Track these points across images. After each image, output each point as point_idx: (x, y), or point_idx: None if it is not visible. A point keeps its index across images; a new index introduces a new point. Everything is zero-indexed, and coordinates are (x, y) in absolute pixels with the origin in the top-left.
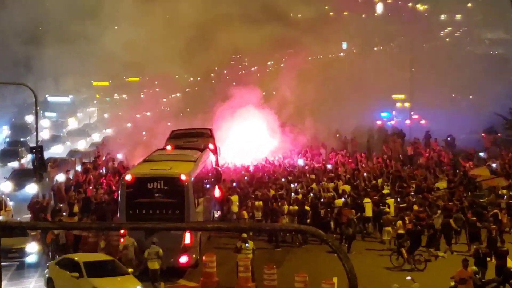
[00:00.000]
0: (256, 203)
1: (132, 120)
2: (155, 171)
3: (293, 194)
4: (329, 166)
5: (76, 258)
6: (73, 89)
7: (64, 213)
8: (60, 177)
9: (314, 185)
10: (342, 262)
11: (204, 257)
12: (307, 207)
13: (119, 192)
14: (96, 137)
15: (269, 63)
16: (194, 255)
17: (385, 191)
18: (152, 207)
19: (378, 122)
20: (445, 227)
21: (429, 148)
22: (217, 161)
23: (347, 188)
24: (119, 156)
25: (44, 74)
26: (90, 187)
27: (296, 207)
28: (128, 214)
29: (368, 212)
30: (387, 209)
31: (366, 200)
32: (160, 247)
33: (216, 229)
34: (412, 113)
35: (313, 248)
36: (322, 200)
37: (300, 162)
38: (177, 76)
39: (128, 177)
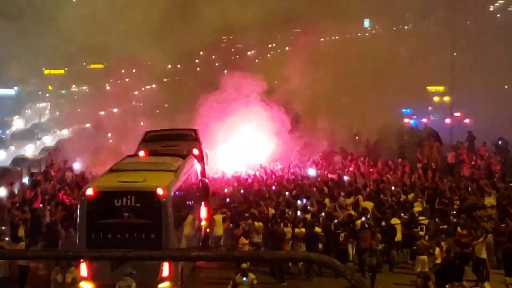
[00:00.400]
0: (256, 223)
1: (95, 118)
2: (124, 183)
3: (299, 212)
4: (345, 177)
5: None
6: (19, 79)
7: (6, 238)
8: (1, 192)
9: (327, 201)
10: None
11: None
12: (317, 229)
13: (78, 210)
14: (48, 141)
15: (270, 45)
16: None
17: (417, 208)
18: (121, 229)
19: (406, 121)
20: (509, 254)
21: (475, 154)
22: (203, 170)
23: (369, 205)
24: (77, 165)
25: None
26: (41, 205)
27: (303, 230)
28: (89, 238)
29: (397, 236)
30: (421, 233)
31: (395, 221)
32: (132, 280)
33: (202, 258)
34: (453, 109)
35: (327, 282)
36: (336, 220)
37: (312, 172)
38: (149, 63)
39: (90, 191)
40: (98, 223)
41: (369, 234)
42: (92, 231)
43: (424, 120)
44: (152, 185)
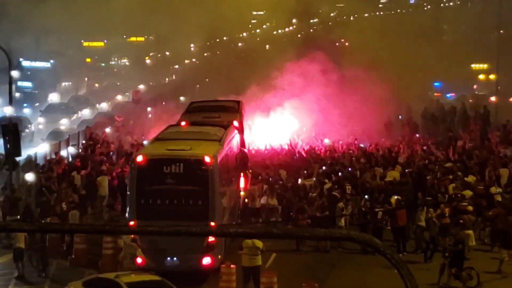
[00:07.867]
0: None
1: (134, 92)
2: (172, 151)
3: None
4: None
5: (115, 279)
6: (57, 51)
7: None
8: (29, 177)
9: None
10: (404, 280)
11: (221, 268)
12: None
13: (129, 177)
14: (87, 114)
15: (312, 20)
16: (219, 256)
17: (470, 179)
18: (169, 196)
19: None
20: None
21: None
22: (242, 141)
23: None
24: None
25: (19, 30)
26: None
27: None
28: (139, 204)
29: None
30: (469, 207)
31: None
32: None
33: (240, 234)
34: (499, 88)
35: (366, 260)
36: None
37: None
38: (190, 38)
39: (140, 158)
40: (148, 189)
41: (405, 212)
42: (142, 197)
43: (451, 95)
44: (199, 153)
